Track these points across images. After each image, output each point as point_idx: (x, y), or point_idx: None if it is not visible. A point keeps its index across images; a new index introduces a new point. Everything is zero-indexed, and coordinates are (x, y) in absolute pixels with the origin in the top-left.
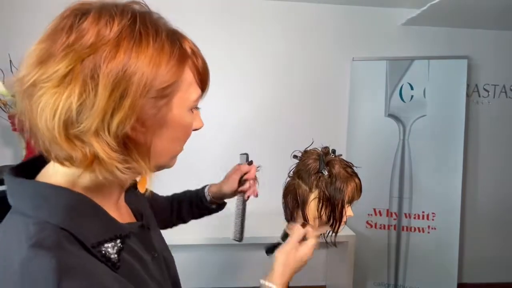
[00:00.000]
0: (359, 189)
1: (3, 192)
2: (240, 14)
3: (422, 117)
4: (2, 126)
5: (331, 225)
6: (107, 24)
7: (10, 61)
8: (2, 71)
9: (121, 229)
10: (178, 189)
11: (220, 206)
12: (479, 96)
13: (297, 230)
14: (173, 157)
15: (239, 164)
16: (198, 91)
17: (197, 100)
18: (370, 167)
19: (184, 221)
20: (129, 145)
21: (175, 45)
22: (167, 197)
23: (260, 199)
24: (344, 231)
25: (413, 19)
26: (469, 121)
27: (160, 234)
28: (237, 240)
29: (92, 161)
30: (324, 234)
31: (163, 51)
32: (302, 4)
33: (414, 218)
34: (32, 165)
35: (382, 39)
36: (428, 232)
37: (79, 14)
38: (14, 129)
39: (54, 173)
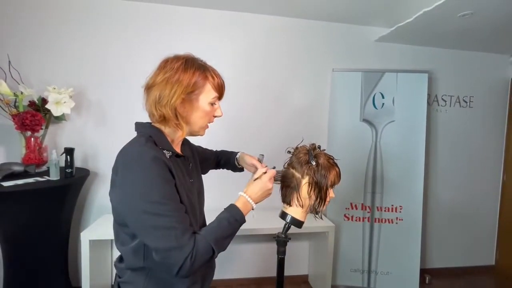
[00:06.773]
0: (338, 176)
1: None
2: (235, 28)
3: (391, 122)
4: (0, 125)
5: (319, 203)
6: (175, 62)
7: (9, 61)
8: (4, 71)
9: (172, 149)
10: None
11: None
12: (438, 105)
13: (268, 172)
14: (201, 128)
15: (258, 160)
16: (214, 94)
17: (214, 99)
18: (347, 165)
19: (218, 168)
20: (177, 115)
21: (202, 72)
22: (214, 152)
23: None
24: (325, 223)
25: (384, 37)
26: (430, 126)
27: (200, 177)
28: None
29: (163, 119)
30: (313, 210)
31: (194, 74)
32: (289, 19)
33: (385, 210)
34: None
35: (358, 52)
36: (397, 223)
37: (168, 59)
38: (16, 128)
39: (157, 124)
